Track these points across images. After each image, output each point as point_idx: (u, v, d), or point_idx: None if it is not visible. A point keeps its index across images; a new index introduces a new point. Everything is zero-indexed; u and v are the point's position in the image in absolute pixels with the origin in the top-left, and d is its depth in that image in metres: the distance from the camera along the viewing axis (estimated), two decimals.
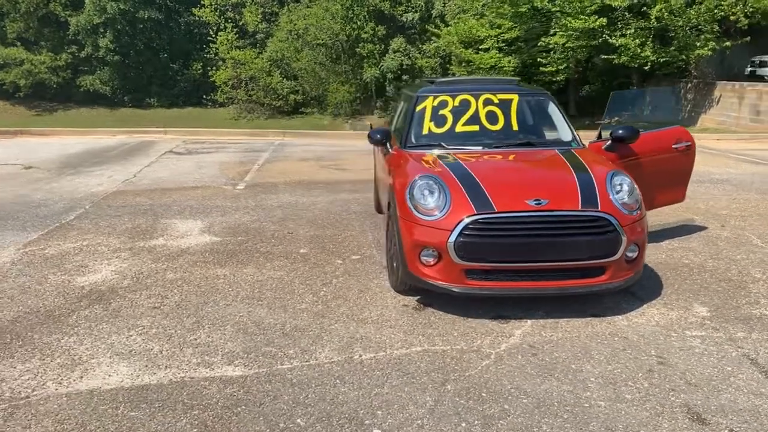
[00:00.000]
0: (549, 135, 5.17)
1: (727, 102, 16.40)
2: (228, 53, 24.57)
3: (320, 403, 3.14)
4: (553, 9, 16.32)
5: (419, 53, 25.33)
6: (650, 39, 16.03)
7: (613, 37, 16.07)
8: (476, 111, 5.02)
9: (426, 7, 25.15)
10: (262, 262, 5.30)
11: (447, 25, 21.27)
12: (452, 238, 3.90)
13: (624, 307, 4.25)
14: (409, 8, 25.55)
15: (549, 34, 17.12)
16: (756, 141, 12.86)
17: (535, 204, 3.92)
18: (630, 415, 2.98)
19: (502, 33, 18.72)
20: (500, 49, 19.30)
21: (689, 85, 17.70)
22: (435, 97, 5.15)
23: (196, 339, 3.87)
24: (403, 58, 25.15)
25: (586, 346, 3.71)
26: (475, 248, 3.90)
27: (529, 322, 4.04)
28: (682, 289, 4.58)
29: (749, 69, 17.01)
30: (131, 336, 3.92)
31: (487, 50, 19.35)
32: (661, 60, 16.24)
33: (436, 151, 4.81)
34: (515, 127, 5.03)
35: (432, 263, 4.06)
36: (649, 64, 15.99)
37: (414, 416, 3.00)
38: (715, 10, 15.61)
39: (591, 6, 15.86)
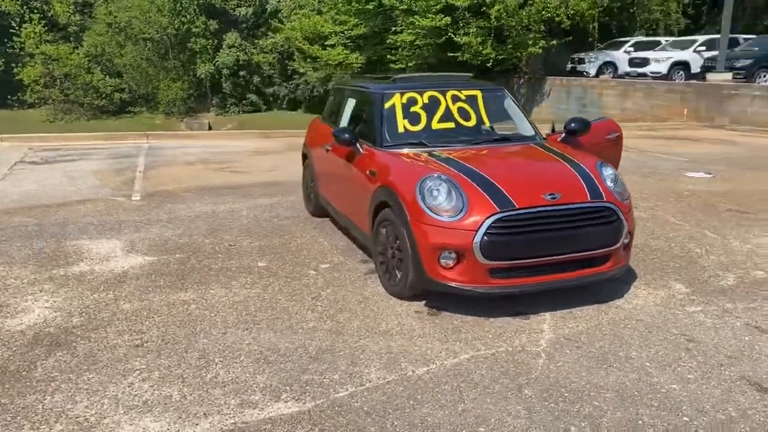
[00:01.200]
0: (512, 129, 5.26)
1: (556, 95, 18.09)
2: (37, 48, 21.86)
3: (414, 429, 2.88)
4: (401, 7, 16.74)
5: (255, 49, 24.61)
6: (490, 38, 17.15)
7: (457, 36, 16.93)
8: (447, 108, 4.94)
9: (260, 2, 24.48)
10: (224, 280, 4.76)
11: (288, 21, 20.87)
12: (477, 238, 3.80)
13: (616, 291, 4.46)
14: (242, 2, 24.69)
15: (396, 31, 17.56)
16: None
17: (551, 198, 3.96)
18: (707, 394, 3.13)
19: (348, 30, 18.82)
20: (346, 46, 19.38)
21: (522, 80, 19.23)
22: (402, 94, 4.97)
23: (215, 377, 3.35)
24: (239, 53, 24.30)
25: (615, 332, 3.83)
26: (500, 246, 3.84)
27: (548, 315, 4.09)
28: (648, 269, 4.93)
29: (570, 65, 18.89)
30: (133, 384, 3.29)
31: (333, 46, 19.32)
32: (500, 57, 17.46)
33: (417, 150, 4.66)
34: (487, 123, 5.05)
35: (452, 265, 3.92)
36: (491, 61, 17.08)
37: (518, 428, 2.87)
38: (543, 12, 17.14)
39: (436, 5, 16.54)
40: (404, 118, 4.86)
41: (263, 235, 5.92)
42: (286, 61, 24.56)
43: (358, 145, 4.91)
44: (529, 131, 5.19)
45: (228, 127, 23.34)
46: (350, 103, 5.58)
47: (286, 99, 25.27)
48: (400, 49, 17.68)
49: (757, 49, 15.91)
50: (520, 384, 3.25)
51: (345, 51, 19.03)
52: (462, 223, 3.86)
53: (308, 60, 20.26)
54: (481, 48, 16.87)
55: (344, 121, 5.58)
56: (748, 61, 15.07)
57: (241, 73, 24.68)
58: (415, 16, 16.60)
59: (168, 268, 5.03)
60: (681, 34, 22.83)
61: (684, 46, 17.60)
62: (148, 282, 4.72)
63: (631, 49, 18.00)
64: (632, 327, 3.90)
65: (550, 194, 3.97)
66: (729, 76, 14.79)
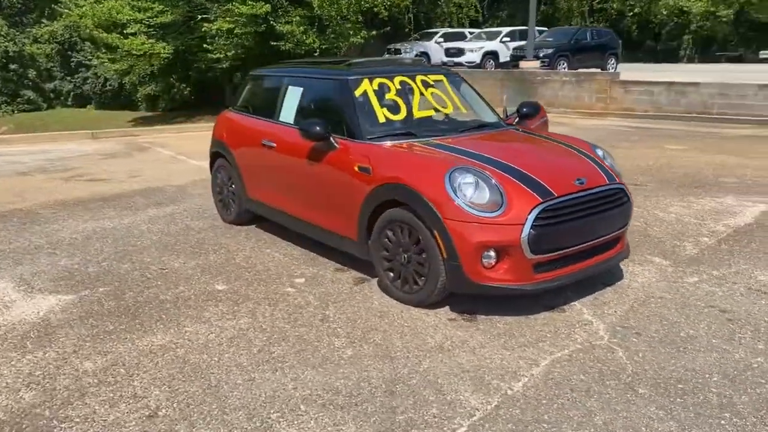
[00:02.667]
0: (473, 115, 4.98)
1: None
2: None
3: None
4: None
5: (28, 38, 21.30)
6: (312, 27, 16.71)
7: (279, 24, 16.23)
8: (422, 94, 4.51)
9: None
10: (193, 313, 3.83)
11: (76, 6, 18.26)
12: (525, 232, 3.48)
13: (613, 272, 4.43)
14: None
15: (209, 19, 16.30)
16: None
17: (580, 183, 3.78)
18: None
19: (152, 17, 17.01)
20: (149, 35, 17.51)
21: None
22: (371, 80, 4.42)
23: None
24: (7, 43, 20.85)
25: (655, 313, 3.77)
26: (546, 238, 3.56)
27: (578, 304, 3.92)
28: None
29: (386, 56, 19.22)
30: None
31: (134, 35, 17.33)
32: (323, 47, 17.11)
33: (403, 140, 4.17)
34: (463, 110, 4.71)
35: (493, 264, 3.56)
36: (317, 50, 16.66)
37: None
38: (362, 2, 17.14)
39: None
40: (382, 106, 4.33)
41: (190, 252, 4.94)
42: (69, 52, 21.62)
43: (332, 139, 4.27)
44: (493, 117, 4.97)
45: (3, 129, 19.92)
46: (294, 92, 4.84)
47: (72, 95, 22.30)
48: (216, 38, 16.43)
49: (551, 39, 17.68)
50: (628, 383, 3.02)
51: (150, 40, 17.18)
52: (505, 217, 3.51)
53: (104, 50, 17.98)
54: (303, 37, 16.35)
55: (288, 113, 4.84)
56: (549, 51, 16.67)
57: (12, 66, 21.24)
58: (233, 3, 15.55)
59: (103, 307, 3.93)
60: (471, 26, 24.58)
61: (491, 37, 18.95)
62: (91, 329, 3.62)
63: (441, 39, 18.87)
64: (663, 305, 3.89)
65: (578, 180, 3.80)
66: (537, 64, 16.22)
